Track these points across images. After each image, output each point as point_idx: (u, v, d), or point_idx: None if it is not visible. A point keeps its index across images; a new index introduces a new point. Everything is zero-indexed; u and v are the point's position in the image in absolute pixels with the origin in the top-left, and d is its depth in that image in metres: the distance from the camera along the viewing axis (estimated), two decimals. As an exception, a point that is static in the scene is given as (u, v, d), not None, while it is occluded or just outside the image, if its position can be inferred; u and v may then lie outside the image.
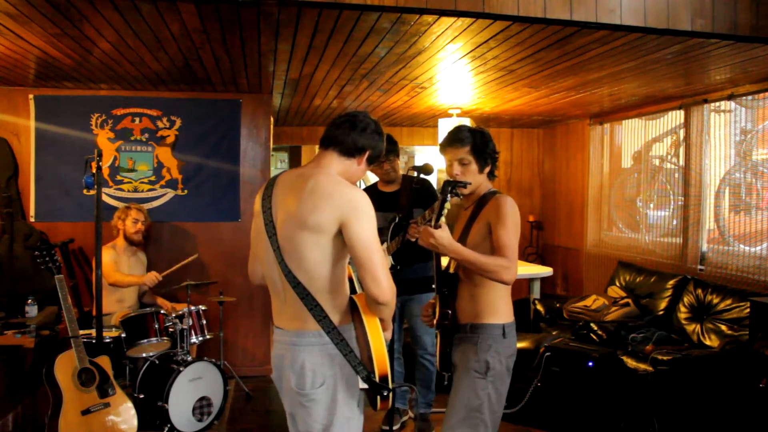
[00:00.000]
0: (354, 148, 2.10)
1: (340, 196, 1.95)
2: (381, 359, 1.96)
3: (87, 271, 4.83)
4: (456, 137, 2.49)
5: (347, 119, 2.11)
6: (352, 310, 2.08)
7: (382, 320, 2.02)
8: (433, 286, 2.60)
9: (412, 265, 3.67)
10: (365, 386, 2.00)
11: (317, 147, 7.31)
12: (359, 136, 2.09)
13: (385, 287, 1.93)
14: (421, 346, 3.89)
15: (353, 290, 2.17)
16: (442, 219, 2.29)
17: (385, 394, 1.96)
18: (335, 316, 2.02)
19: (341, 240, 1.96)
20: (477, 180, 2.48)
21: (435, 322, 2.49)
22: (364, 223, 1.94)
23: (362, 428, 2.16)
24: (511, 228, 2.33)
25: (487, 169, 2.50)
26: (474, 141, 2.46)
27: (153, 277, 4.25)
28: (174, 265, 4.38)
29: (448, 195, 2.28)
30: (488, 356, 2.37)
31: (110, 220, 4.47)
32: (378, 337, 1.97)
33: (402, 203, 3.72)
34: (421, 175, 3.59)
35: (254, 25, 3.05)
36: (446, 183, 2.31)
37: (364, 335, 1.99)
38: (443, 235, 2.25)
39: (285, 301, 2.07)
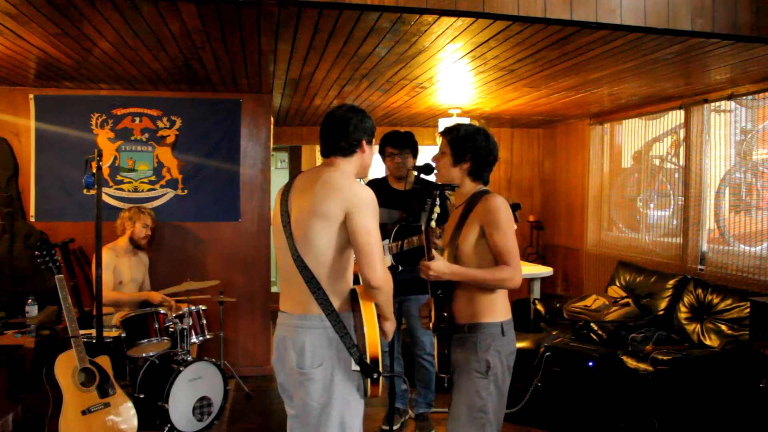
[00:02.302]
0: (351, 146, 2.29)
1: (348, 190, 2.16)
2: (373, 342, 2.12)
3: (87, 271, 4.83)
4: (444, 128, 2.57)
5: (330, 126, 2.29)
6: (354, 302, 2.23)
7: (379, 308, 2.19)
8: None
9: (411, 265, 3.67)
10: (357, 368, 2.15)
11: (317, 147, 7.33)
12: (349, 134, 2.27)
13: (378, 272, 2.13)
14: (420, 347, 3.89)
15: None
16: (433, 223, 2.36)
17: (375, 377, 2.11)
18: (336, 301, 2.18)
19: (346, 230, 2.16)
20: (450, 173, 2.49)
21: (432, 325, 2.47)
22: (366, 214, 2.14)
23: (362, 416, 2.25)
24: (507, 231, 2.34)
25: (465, 166, 2.46)
26: (456, 134, 2.47)
27: (160, 297, 4.30)
28: (180, 282, 4.33)
29: (437, 199, 2.32)
30: (488, 355, 2.36)
31: (111, 220, 4.46)
32: (372, 322, 2.14)
33: (414, 206, 3.70)
34: (422, 175, 3.60)
35: (254, 25, 3.05)
36: (435, 186, 2.33)
37: (360, 320, 2.15)
38: (439, 265, 2.33)
39: (292, 286, 2.24)
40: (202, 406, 3.84)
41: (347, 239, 2.17)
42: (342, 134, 2.26)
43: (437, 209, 2.33)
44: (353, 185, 2.19)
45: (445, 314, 2.42)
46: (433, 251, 2.34)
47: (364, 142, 2.31)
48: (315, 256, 2.16)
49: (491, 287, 2.38)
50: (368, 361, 2.11)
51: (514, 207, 2.49)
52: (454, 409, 2.42)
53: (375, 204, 2.18)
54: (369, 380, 2.13)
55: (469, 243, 2.39)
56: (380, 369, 2.13)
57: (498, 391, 2.39)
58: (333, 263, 2.17)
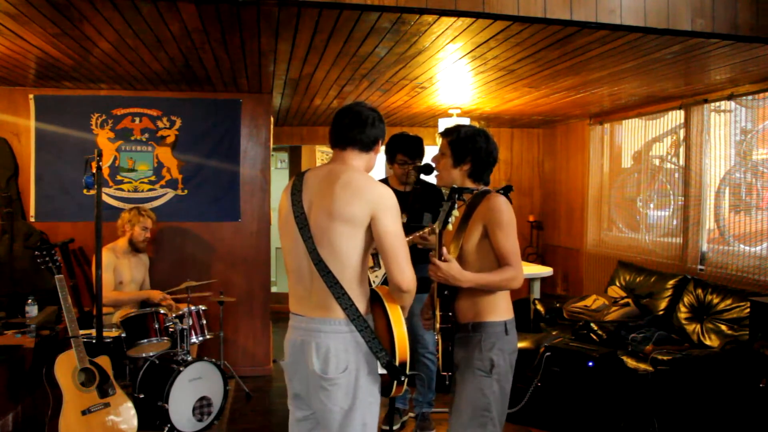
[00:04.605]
0: (370, 143, 2.26)
1: (371, 191, 2.11)
2: (402, 346, 2.11)
3: (87, 271, 4.83)
4: (445, 129, 2.55)
5: (354, 117, 2.24)
6: (373, 302, 2.21)
7: (402, 308, 2.17)
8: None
9: (413, 265, 3.66)
10: (383, 371, 2.12)
11: (317, 147, 7.28)
12: (371, 130, 2.24)
13: (408, 275, 2.10)
14: (423, 345, 3.89)
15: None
16: (442, 224, 2.31)
17: (402, 379, 2.10)
18: (360, 304, 2.14)
19: (370, 233, 2.12)
20: (450, 174, 2.48)
21: (438, 326, 2.47)
22: (392, 216, 2.11)
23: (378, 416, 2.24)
24: (509, 231, 2.34)
25: (465, 167, 2.46)
26: (456, 135, 2.47)
27: (160, 295, 4.31)
28: (180, 282, 4.33)
29: (455, 202, 2.29)
30: (492, 354, 2.37)
31: (111, 220, 4.46)
32: (400, 325, 2.12)
33: (415, 206, 3.70)
34: (422, 175, 3.60)
35: (254, 25, 3.05)
36: (453, 189, 2.31)
37: (387, 323, 2.12)
38: (451, 268, 2.29)
39: (311, 290, 2.17)
40: (202, 406, 3.84)
41: (370, 242, 2.14)
42: (363, 127, 2.22)
43: (456, 212, 2.31)
44: (376, 186, 2.14)
45: (451, 314, 2.42)
46: (446, 254, 2.31)
47: (379, 143, 2.29)
48: (339, 260, 2.10)
49: (498, 289, 2.39)
50: (397, 364, 2.09)
51: (506, 189, 2.49)
52: (457, 407, 2.42)
53: (396, 202, 2.14)
54: (395, 382, 2.11)
55: (472, 243, 2.40)
56: (407, 371, 2.12)
57: (501, 389, 2.40)
58: (357, 268, 2.13)
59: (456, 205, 2.30)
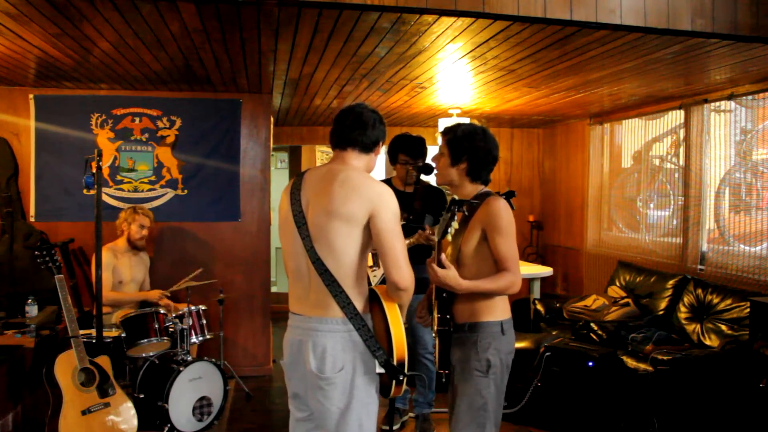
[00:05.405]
0: (371, 144, 2.27)
1: (369, 189, 2.12)
2: (400, 345, 2.10)
3: (87, 271, 4.83)
4: (445, 128, 2.55)
5: (355, 119, 2.24)
6: (371, 301, 2.21)
7: (400, 308, 2.16)
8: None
9: (412, 266, 3.66)
10: (381, 371, 2.12)
11: (317, 147, 7.29)
12: (372, 132, 2.25)
13: (405, 273, 2.10)
14: (422, 346, 3.89)
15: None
16: (441, 233, 2.32)
17: (401, 378, 2.09)
18: (358, 303, 2.14)
19: (368, 231, 2.12)
20: (448, 173, 2.48)
21: (436, 328, 2.47)
22: (389, 214, 2.11)
23: (377, 416, 2.23)
24: (508, 235, 2.34)
25: (462, 166, 2.44)
26: (453, 134, 2.46)
27: (158, 294, 4.31)
28: (179, 281, 4.34)
29: (455, 213, 2.28)
30: (489, 354, 2.37)
31: (111, 220, 4.47)
32: (398, 324, 2.11)
33: (416, 207, 3.70)
34: (422, 175, 3.60)
35: (254, 25, 3.05)
36: (453, 201, 2.31)
37: (384, 322, 2.12)
38: (448, 275, 2.28)
39: (309, 289, 2.18)
40: (202, 406, 3.84)
41: (368, 241, 2.13)
42: (364, 129, 2.22)
43: (455, 224, 2.30)
44: (374, 184, 2.14)
45: (448, 316, 2.42)
46: (444, 260, 2.29)
47: (380, 144, 2.29)
48: (337, 259, 2.10)
49: (496, 294, 2.39)
50: (395, 363, 2.09)
51: (509, 194, 2.49)
52: (456, 408, 2.43)
53: (395, 201, 2.14)
54: (394, 381, 2.11)
55: (470, 246, 2.39)
56: (406, 370, 2.11)
57: (497, 389, 2.40)
58: (354, 266, 2.13)
59: (456, 217, 2.29)
